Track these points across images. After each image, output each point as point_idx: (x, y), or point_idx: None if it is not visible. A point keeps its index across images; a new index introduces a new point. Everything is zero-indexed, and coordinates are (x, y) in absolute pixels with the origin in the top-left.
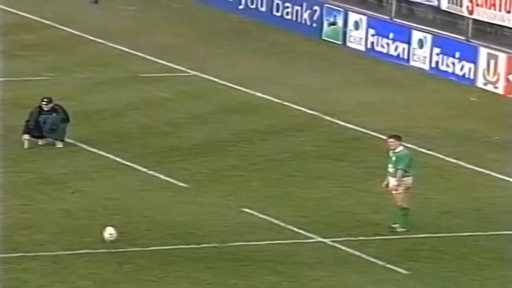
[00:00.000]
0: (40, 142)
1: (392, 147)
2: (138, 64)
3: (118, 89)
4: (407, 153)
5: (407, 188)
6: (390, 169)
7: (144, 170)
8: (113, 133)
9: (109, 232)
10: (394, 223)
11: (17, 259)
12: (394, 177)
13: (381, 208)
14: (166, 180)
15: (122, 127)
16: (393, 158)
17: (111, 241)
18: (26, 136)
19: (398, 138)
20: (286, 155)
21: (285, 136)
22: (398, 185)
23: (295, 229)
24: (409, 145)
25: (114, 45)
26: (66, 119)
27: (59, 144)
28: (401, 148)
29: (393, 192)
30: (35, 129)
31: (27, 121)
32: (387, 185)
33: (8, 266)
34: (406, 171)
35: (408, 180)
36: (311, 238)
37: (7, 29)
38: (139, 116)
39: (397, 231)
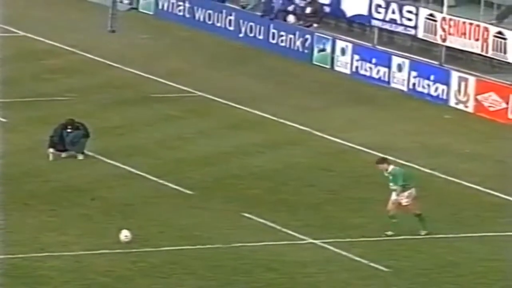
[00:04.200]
0: (63, 154)
1: (384, 169)
2: (150, 85)
3: (133, 107)
4: (399, 170)
5: (414, 198)
6: (392, 186)
7: (155, 179)
8: (128, 147)
9: (125, 234)
10: (388, 231)
11: (43, 258)
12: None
13: (366, 213)
14: (175, 188)
15: (136, 141)
16: (390, 177)
17: (126, 242)
18: (51, 150)
19: (384, 160)
20: (281, 166)
21: (280, 149)
22: (399, 199)
23: (289, 231)
24: (389, 157)
25: (129, 69)
26: (86, 135)
27: (80, 157)
28: (392, 167)
29: (404, 204)
30: (59, 143)
31: (52, 136)
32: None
33: (36, 264)
34: (406, 185)
35: (412, 191)
36: (303, 239)
37: (36, 55)
38: (151, 132)
39: (388, 235)
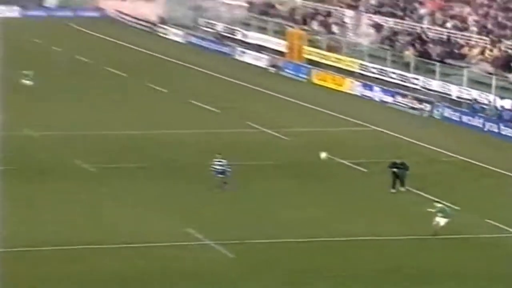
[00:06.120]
0: (402, 189)
1: None
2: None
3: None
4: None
5: None
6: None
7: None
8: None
9: (323, 155)
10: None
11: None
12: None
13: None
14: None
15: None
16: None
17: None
18: (393, 190)
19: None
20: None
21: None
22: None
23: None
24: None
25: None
26: (406, 171)
27: (402, 189)
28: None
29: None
30: (394, 176)
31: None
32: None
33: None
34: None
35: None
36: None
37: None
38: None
39: None
